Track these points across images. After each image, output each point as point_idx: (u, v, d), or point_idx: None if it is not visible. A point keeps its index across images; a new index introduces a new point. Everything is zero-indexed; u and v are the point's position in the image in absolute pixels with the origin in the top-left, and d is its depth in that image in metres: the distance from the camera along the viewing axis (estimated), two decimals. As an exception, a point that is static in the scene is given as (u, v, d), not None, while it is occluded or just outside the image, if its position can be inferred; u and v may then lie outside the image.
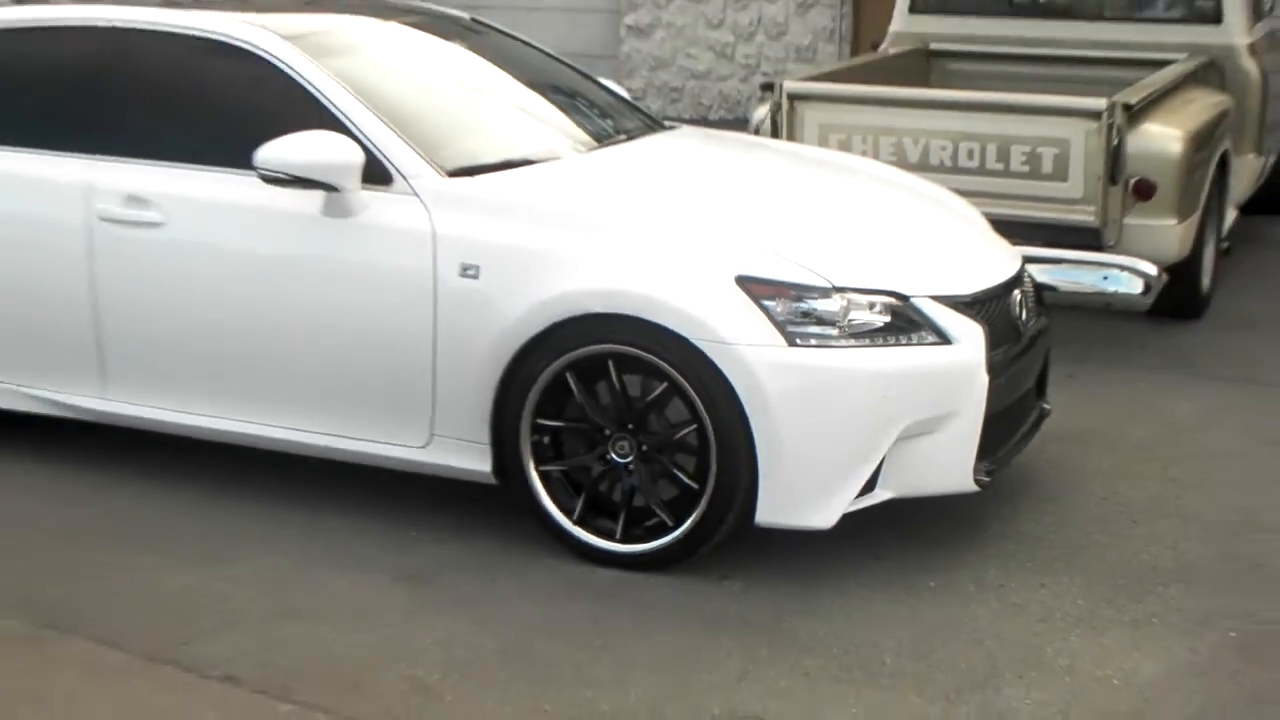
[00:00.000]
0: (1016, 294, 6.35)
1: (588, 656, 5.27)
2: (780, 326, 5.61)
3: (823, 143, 8.73)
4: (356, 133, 6.25)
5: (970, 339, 5.83)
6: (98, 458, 7.12)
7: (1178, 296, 8.77)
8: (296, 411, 6.48)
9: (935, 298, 5.86)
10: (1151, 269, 8.14)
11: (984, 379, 5.84)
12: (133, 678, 5.19)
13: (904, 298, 5.79)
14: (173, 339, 6.70)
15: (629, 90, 16.71)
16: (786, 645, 5.32)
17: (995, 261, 6.45)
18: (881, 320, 5.73)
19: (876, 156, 8.42)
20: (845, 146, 8.64)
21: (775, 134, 8.89)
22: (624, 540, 5.90)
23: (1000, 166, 8.46)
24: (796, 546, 5.91)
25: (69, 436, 7.23)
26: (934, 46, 10.82)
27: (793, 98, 8.95)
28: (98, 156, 6.78)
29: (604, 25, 17.63)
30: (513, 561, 6.02)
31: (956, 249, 6.43)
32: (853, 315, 5.68)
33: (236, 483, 6.80)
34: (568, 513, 5.97)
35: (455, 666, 5.23)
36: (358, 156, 6.14)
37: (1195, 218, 8.72)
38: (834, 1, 16.63)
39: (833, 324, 5.66)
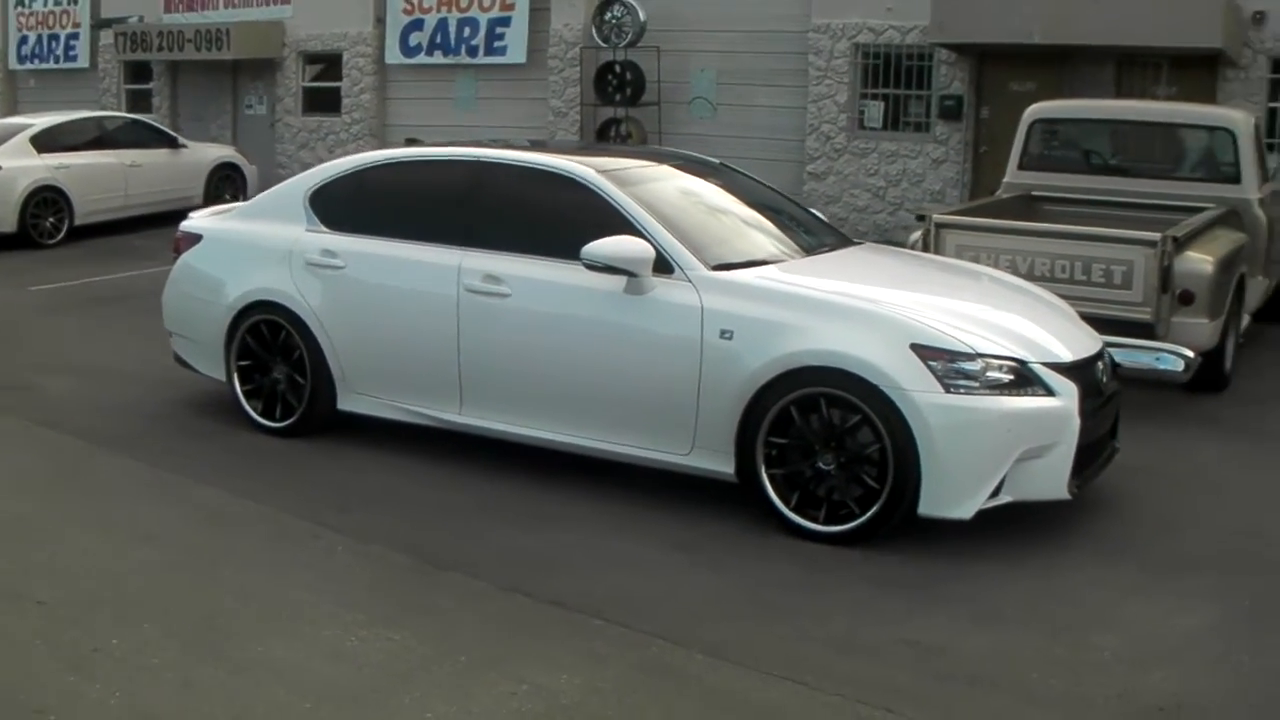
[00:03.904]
0: (1099, 364, 6.65)
1: (799, 601, 5.64)
2: (940, 379, 5.99)
3: (958, 257, 8.93)
4: (650, 237, 6.66)
5: (1068, 393, 6.17)
6: (453, 457, 7.44)
7: (1207, 375, 8.92)
8: (598, 427, 6.84)
9: (1045, 364, 6.20)
10: (1190, 353, 8.33)
11: (1077, 421, 6.15)
12: (490, 601, 5.57)
13: (1023, 362, 6.13)
14: (512, 375, 7.10)
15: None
16: (937, 599, 5.67)
17: (1085, 341, 6.75)
18: (1008, 378, 6.06)
19: (996, 268, 8.52)
20: (975, 260, 8.79)
21: (925, 250, 9.11)
22: (826, 523, 6.22)
23: (1084, 278, 8.68)
24: (945, 532, 6.22)
25: (430, 444, 7.59)
26: (1035, 193, 11.02)
27: (939, 225, 9.24)
28: (467, 248, 7.23)
29: (792, 171, 17.79)
30: (746, 536, 6.31)
31: (1059, 331, 6.67)
32: (989, 373, 6.03)
33: (554, 477, 7.09)
34: (787, 503, 6.30)
35: (708, 602, 5.62)
36: (651, 254, 6.58)
37: (1222, 319, 8.89)
38: (959, 160, 16.83)
39: (975, 379, 6.00)
